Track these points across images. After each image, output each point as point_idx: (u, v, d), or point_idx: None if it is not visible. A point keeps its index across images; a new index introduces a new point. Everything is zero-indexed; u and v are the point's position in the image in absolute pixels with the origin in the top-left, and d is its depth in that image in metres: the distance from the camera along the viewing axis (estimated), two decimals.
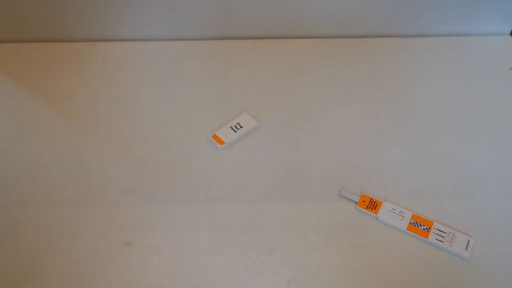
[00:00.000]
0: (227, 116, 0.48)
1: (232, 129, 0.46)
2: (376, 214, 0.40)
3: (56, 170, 0.43)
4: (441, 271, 0.37)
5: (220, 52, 0.55)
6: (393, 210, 0.41)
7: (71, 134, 0.46)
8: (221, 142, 0.45)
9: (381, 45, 0.57)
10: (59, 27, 0.55)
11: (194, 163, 0.42)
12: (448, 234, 0.39)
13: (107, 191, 0.40)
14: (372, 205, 0.41)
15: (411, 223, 0.40)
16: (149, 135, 0.46)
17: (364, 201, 0.41)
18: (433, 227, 0.40)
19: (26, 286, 0.36)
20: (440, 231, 0.39)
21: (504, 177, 0.44)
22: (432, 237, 0.39)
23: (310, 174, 0.44)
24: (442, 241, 0.39)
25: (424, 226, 0.40)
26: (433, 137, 0.47)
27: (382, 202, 0.41)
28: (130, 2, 0.53)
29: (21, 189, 0.42)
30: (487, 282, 0.37)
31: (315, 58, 0.55)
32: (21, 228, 0.39)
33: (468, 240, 0.39)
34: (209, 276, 0.36)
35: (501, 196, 0.42)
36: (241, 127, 0.47)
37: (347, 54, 0.55)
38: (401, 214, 0.40)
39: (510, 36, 0.58)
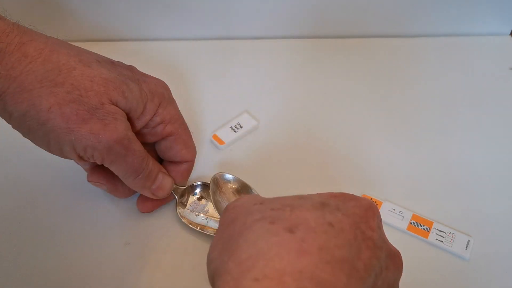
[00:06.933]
0: (227, 116, 0.48)
1: (232, 129, 0.46)
2: None
3: (56, 169, 0.43)
4: (441, 271, 0.37)
5: (220, 52, 0.55)
6: (393, 210, 0.41)
7: None
8: (221, 142, 0.45)
9: (381, 45, 0.57)
10: (60, 27, 0.55)
11: (194, 163, 0.42)
12: (448, 234, 0.39)
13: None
14: None
15: (411, 223, 0.40)
16: None
17: None
18: (433, 227, 0.40)
19: (26, 286, 0.36)
20: (440, 231, 0.39)
21: (504, 177, 0.44)
22: (432, 237, 0.39)
23: (310, 174, 0.44)
24: (442, 241, 0.39)
25: (424, 226, 0.40)
26: (433, 136, 0.47)
27: (382, 202, 0.41)
28: (129, 2, 0.53)
29: (21, 189, 0.42)
30: (487, 281, 0.37)
31: (315, 58, 0.55)
32: (21, 228, 0.39)
33: (468, 240, 0.39)
34: None
35: (501, 196, 0.42)
36: (241, 127, 0.47)
37: (347, 54, 0.56)
38: (401, 214, 0.40)
39: (510, 36, 0.58)
